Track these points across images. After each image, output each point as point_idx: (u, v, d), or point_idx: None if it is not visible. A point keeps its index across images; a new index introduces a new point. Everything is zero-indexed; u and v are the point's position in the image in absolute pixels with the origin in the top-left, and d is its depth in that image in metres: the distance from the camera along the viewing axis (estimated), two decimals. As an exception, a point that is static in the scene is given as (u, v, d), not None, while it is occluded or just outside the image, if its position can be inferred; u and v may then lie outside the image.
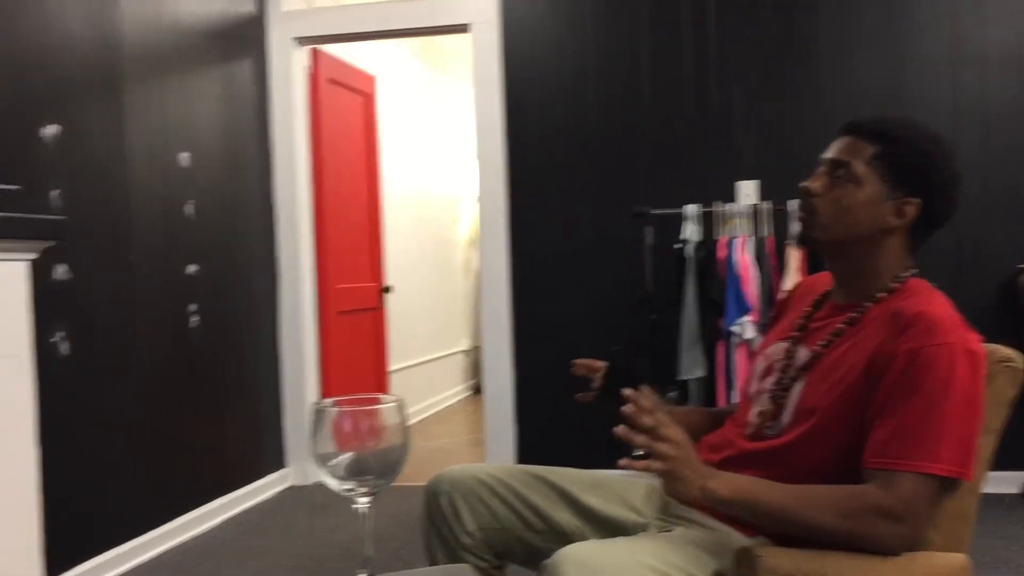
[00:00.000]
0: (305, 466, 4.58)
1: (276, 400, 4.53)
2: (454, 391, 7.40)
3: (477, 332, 7.78)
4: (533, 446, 4.33)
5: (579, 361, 1.74)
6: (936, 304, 1.41)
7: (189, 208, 3.81)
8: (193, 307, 3.82)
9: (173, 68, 3.75)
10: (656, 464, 1.32)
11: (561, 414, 4.29)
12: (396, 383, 5.78)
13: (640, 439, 1.31)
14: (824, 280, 1.68)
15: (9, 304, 1.10)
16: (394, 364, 5.77)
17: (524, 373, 4.34)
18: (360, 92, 5.19)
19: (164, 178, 3.66)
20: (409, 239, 6.40)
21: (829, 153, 1.53)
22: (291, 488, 4.51)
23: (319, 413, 0.86)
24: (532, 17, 4.30)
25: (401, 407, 0.87)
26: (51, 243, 1.09)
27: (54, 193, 3.00)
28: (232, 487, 4.07)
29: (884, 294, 1.50)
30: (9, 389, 1.08)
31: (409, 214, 6.46)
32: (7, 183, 2.80)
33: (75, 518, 3.06)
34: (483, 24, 4.31)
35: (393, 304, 5.68)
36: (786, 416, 1.51)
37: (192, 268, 3.82)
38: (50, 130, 3.01)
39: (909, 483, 1.29)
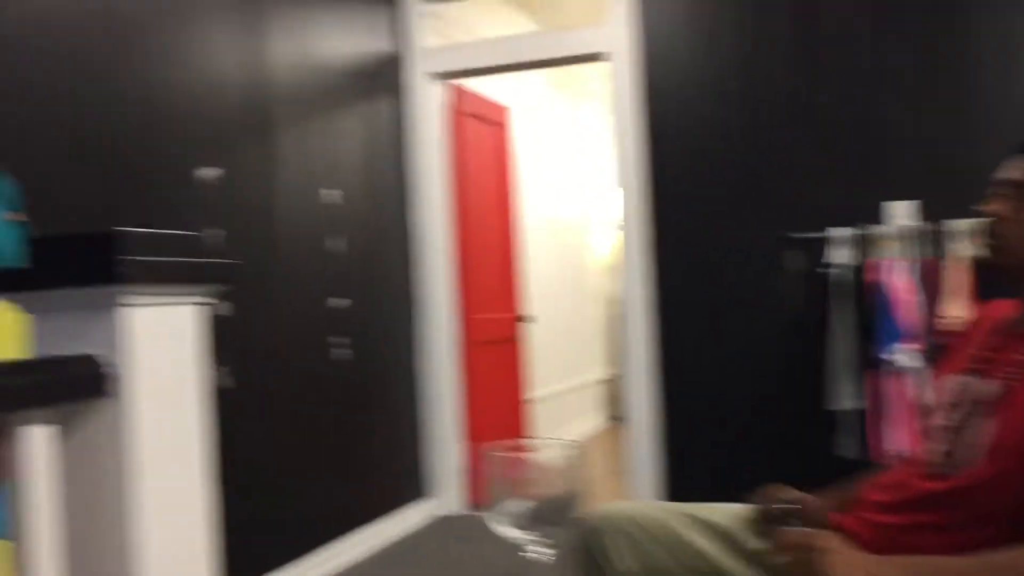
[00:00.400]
0: (449, 495, 4.60)
1: (418, 430, 4.58)
2: (592, 420, 7.33)
3: (613, 360, 7.70)
4: (678, 478, 4.23)
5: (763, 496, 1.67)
6: None
7: (333, 243, 3.91)
8: (338, 339, 3.91)
9: (318, 107, 3.87)
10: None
11: (706, 444, 4.18)
12: (535, 413, 5.77)
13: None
14: (1004, 308, 1.56)
15: (179, 346, 1.12)
16: (533, 393, 5.76)
17: (667, 403, 4.25)
18: (495, 123, 5.24)
19: (310, 214, 3.77)
20: (545, 268, 6.40)
21: (1012, 173, 1.43)
22: (435, 518, 4.54)
23: (493, 459, 0.84)
24: (670, 42, 4.25)
25: (578, 453, 0.84)
26: (220, 287, 1.10)
27: (212, 232, 3.13)
28: (375, 516, 4.12)
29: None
30: (180, 429, 1.10)
31: (544, 243, 6.46)
32: (169, 224, 2.95)
33: (224, 548, 3.14)
34: (619, 52, 4.29)
35: (531, 333, 5.68)
36: (971, 454, 1.40)
37: (336, 301, 3.91)
38: (208, 172, 3.15)
39: None
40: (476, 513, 4.65)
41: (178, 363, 1.14)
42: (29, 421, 1.01)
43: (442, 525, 4.43)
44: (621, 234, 4.37)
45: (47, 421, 1.04)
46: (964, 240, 3.61)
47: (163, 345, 1.11)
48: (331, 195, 3.91)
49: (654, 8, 4.25)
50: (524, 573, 0.88)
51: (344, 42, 4.11)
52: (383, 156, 4.39)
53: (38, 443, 1.02)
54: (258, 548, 3.29)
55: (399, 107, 4.57)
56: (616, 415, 7.46)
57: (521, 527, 0.83)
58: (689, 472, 4.21)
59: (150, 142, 2.94)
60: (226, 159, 3.25)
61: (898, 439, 3.51)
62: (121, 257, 1.01)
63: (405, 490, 4.44)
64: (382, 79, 4.44)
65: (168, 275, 1.08)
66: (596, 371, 7.55)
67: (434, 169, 4.64)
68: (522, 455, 0.84)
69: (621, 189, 4.33)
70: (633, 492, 4.26)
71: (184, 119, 3.08)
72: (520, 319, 5.40)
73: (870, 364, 3.68)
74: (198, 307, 1.17)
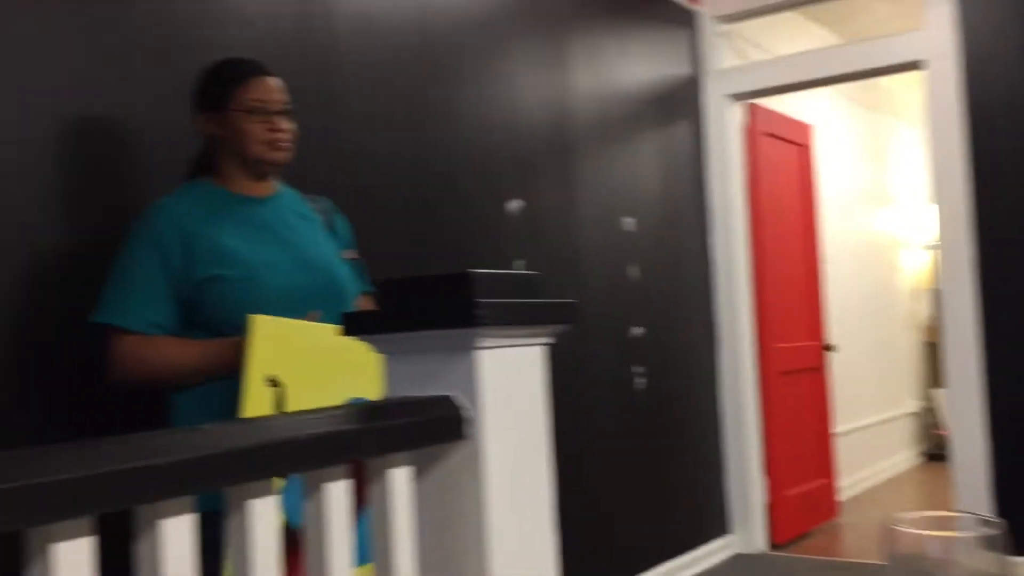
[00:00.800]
0: (750, 532, 4.41)
1: (719, 463, 4.43)
2: (902, 457, 6.78)
3: (925, 392, 7.10)
4: (1019, 526, 3.76)
5: None
6: None
7: (633, 270, 3.88)
8: (639, 369, 3.86)
9: (616, 135, 3.87)
10: None
11: (1051, 493, 3.71)
12: (840, 448, 5.42)
13: None
14: None
15: (528, 387, 1.10)
16: (837, 426, 5.41)
17: (998, 441, 3.81)
18: (796, 143, 5.01)
19: (610, 242, 3.76)
20: (850, 293, 6.02)
21: None
22: (737, 556, 4.36)
23: (896, 534, 0.73)
24: (994, 46, 3.84)
25: (1002, 533, 0.72)
26: (564, 327, 1.07)
27: (517, 263, 3.20)
28: (678, 552, 4.02)
29: None
30: (530, 470, 1.07)
31: (849, 267, 6.08)
32: (480, 257, 3.04)
33: None
34: (939, 59, 3.94)
35: (835, 363, 5.35)
36: None
37: (637, 330, 3.87)
38: (513, 204, 3.22)
39: None
40: (778, 553, 4.41)
41: (527, 405, 1.12)
42: (391, 463, 1.03)
43: (744, 564, 4.24)
44: (935, 254, 4.00)
45: (407, 462, 1.05)
46: None
47: (514, 387, 1.10)
48: (628, 222, 3.89)
49: (976, 10, 3.87)
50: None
51: (641, 67, 4.08)
52: (680, 181, 4.32)
53: (398, 482, 1.04)
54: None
55: (696, 130, 4.48)
56: (930, 451, 6.86)
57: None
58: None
59: (461, 178, 3.05)
60: (529, 190, 3.32)
61: None
62: (478, 300, 1.00)
63: (707, 526, 4.29)
64: (679, 102, 4.37)
65: (521, 317, 1.07)
66: (907, 403, 6.99)
67: (732, 192, 4.49)
68: (929, 530, 0.72)
69: (936, 206, 3.97)
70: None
71: (494, 154, 3.17)
72: (824, 348, 5.10)
73: None
74: (544, 348, 1.15)
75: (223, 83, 1.92)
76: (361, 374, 1.73)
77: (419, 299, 1.07)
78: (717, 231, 4.49)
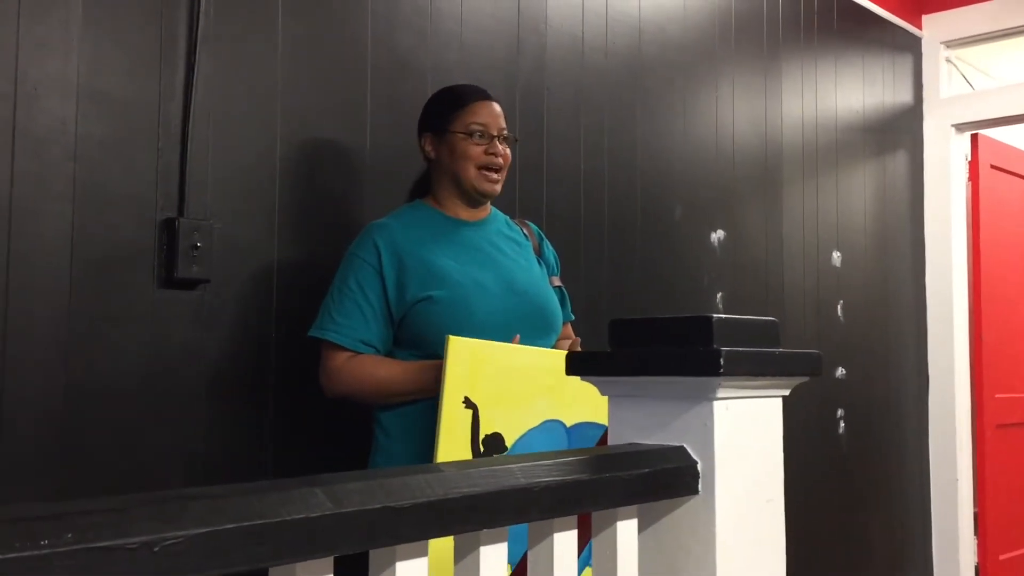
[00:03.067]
0: (957, 596, 4.07)
1: (925, 518, 4.12)
2: None
3: None
4: None
5: None
6: None
7: (839, 308, 3.68)
8: (841, 411, 3.65)
9: (827, 165, 3.69)
10: None
11: None
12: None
13: None
14: None
15: (764, 443, 1.02)
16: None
17: None
18: (1026, 177, 4.63)
19: (816, 277, 3.58)
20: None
21: None
22: (941, 616, 4.04)
23: None
24: None
25: None
26: (805, 379, 0.98)
27: (720, 295, 3.09)
28: (877, 608, 3.76)
29: None
30: (763, 533, 0.99)
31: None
32: (686, 289, 2.95)
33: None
34: None
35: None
36: None
37: (841, 371, 3.66)
38: (717, 235, 3.12)
39: None
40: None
41: (762, 461, 1.04)
42: (619, 515, 0.98)
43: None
44: None
45: (634, 514, 1.00)
46: None
47: (749, 441, 1.03)
48: (836, 257, 3.69)
49: None
50: None
51: (858, 93, 3.88)
52: (895, 216, 4.07)
53: (625, 535, 0.98)
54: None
55: (915, 161, 4.21)
56: None
57: None
58: None
59: (667, 206, 2.97)
60: (733, 221, 3.20)
61: None
62: (721, 348, 0.94)
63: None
64: (898, 132, 4.12)
65: (762, 367, 0.99)
66: None
67: (953, 228, 4.19)
68: None
69: None
70: None
71: (699, 182, 3.08)
72: (1052, 400, 4.66)
73: None
74: (780, 400, 1.07)
75: (447, 106, 1.95)
76: (558, 397, 1.70)
77: (654, 342, 1.01)
78: (933, 269, 4.20)
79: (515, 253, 2.03)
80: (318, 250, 2.07)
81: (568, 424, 1.75)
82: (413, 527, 0.74)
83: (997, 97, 4.24)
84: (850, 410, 3.71)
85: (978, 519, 4.16)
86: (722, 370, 0.93)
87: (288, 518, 0.67)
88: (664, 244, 2.96)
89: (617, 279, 2.78)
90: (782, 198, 3.46)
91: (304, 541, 0.68)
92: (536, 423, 1.67)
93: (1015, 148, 4.60)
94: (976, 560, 4.14)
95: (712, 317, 0.96)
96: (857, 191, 3.85)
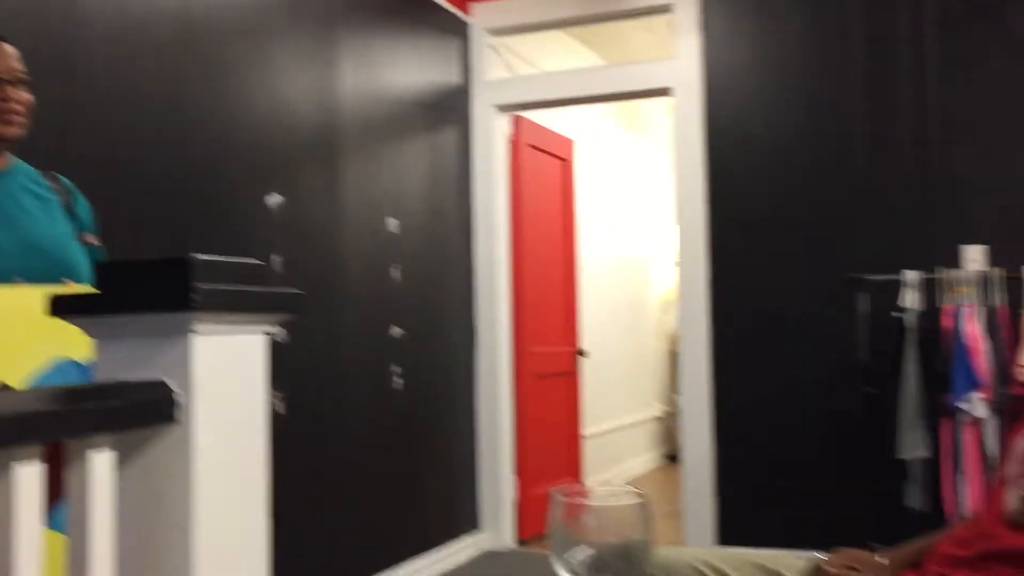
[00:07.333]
0: (499, 529, 4.56)
1: (472, 462, 4.55)
2: (646, 458, 7.23)
3: (669, 398, 7.60)
4: (734, 521, 4.13)
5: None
6: None
7: (395, 272, 3.92)
8: (396, 369, 3.91)
9: (384, 137, 3.91)
10: None
11: (764, 488, 4.08)
12: (588, 449, 5.70)
13: None
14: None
15: (245, 375, 1.11)
16: (587, 429, 5.69)
17: (724, 444, 4.17)
18: (558, 156, 5.24)
19: (373, 243, 3.79)
20: (603, 302, 6.35)
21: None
22: (486, 553, 4.49)
23: (558, 504, 0.81)
24: (736, 79, 4.21)
25: (647, 505, 0.81)
26: (288, 316, 1.09)
27: (275, 259, 3.16)
28: (427, 547, 4.09)
29: None
30: (243, 459, 1.09)
31: (603, 277, 6.42)
32: (236, 250, 2.98)
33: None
34: (685, 87, 4.26)
35: (587, 368, 5.63)
36: None
37: (396, 330, 3.92)
38: (274, 199, 3.18)
39: None
40: (525, 549, 4.59)
41: (244, 393, 1.13)
42: (94, 445, 1.01)
43: (491, 559, 4.38)
44: (678, 271, 4.32)
45: (112, 446, 1.03)
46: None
47: (230, 374, 1.11)
48: (392, 224, 3.93)
49: (720, 43, 4.22)
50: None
51: (411, 72, 4.14)
52: (447, 186, 4.41)
53: (100, 467, 1.02)
54: (309, 576, 3.28)
55: (464, 138, 4.59)
56: (671, 454, 7.34)
57: (581, 573, 0.80)
58: (745, 516, 4.12)
59: (221, 169, 2.98)
60: (291, 186, 3.29)
61: (972, 492, 3.38)
62: (194, 284, 1.01)
63: (457, 522, 4.40)
64: (448, 110, 4.46)
65: (239, 304, 1.08)
66: (652, 408, 7.46)
67: (496, 200, 4.64)
68: (587, 500, 0.81)
69: (678, 225, 4.29)
70: (689, 534, 4.17)
71: (255, 147, 3.12)
72: (577, 353, 5.35)
73: (944, 412, 3.57)
74: (265, 336, 1.16)
75: None
76: (67, 337, 1.64)
77: (136, 282, 1.05)
78: (480, 237, 4.62)
79: (38, 209, 1.93)
80: None
81: (85, 363, 1.69)
82: None
83: (536, 83, 4.76)
84: (407, 367, 3.98)
85: (516, 460, 4.68)
86: (195, 305, 1.00)
87: None
88: (219, 204, 2.96)
89: (167, 239, 2.73)
90: (342, 167, 3.60)
91: None
92: (42, 364, 1.59)
93: (549, 130, 5.19)
94: (515, 496, 4.65)
95: (190, 256, 1.02)
96: (412, 163, 4.12)
